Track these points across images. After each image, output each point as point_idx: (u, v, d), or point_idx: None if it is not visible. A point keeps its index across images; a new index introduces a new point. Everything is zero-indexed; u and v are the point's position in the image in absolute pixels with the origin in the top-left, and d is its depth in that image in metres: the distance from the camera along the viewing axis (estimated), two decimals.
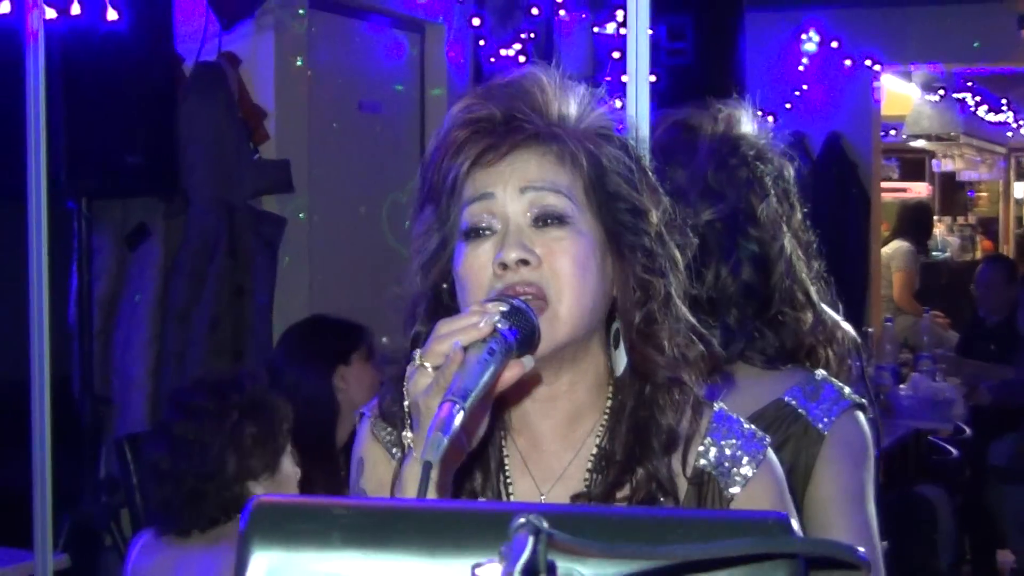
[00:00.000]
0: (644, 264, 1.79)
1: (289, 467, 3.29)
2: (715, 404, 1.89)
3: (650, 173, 1.87)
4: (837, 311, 2.56)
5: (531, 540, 0.73)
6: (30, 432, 3.73)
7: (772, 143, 2.52)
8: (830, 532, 2.26)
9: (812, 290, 2.44)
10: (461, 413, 1.47)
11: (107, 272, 5.56)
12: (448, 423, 1.45)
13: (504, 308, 1.62)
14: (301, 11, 6.26)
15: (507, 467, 1.85)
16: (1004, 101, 13.55)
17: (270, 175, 6.03)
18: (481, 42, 7.52)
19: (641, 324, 1.79)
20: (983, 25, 10.70)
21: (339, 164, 6.63)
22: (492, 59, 7.45)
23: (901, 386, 7.53)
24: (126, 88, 4.90)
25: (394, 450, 1.84)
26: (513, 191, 1.75)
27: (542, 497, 1.83)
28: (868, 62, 10.58)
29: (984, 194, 17.91)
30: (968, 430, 7.17)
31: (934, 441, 7.11)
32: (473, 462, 1.81)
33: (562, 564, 0.78)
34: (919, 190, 14.76)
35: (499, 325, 1.59)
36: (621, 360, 1.82)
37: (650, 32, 8.21)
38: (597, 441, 1.83)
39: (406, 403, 1.66)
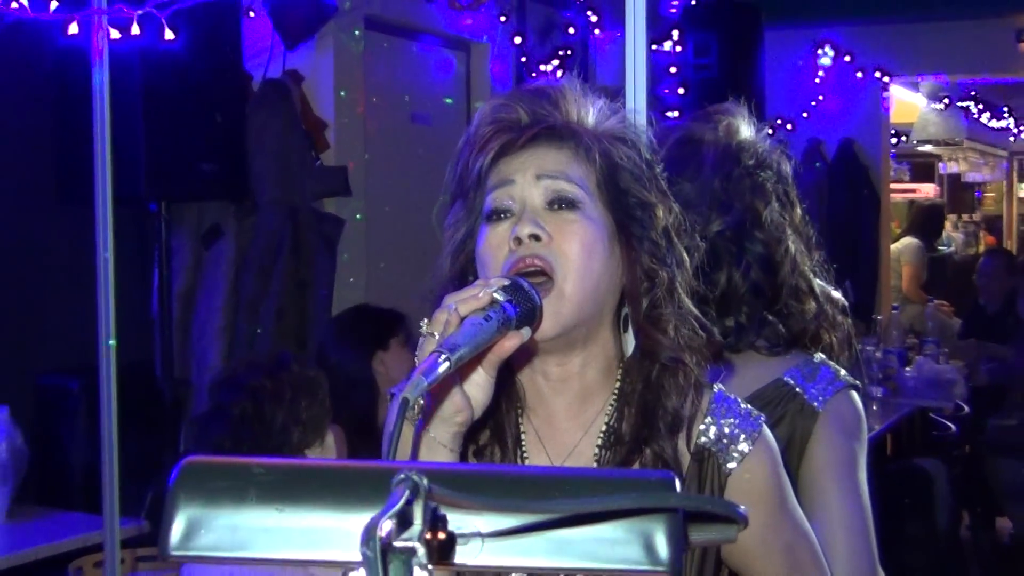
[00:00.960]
0: (651, 254, 1.78)
1: (330, 437, 3.28)
2: (715, 386, 1.87)
3: (660, 177, 1.84)
4: (846, 296, 2.55)
5: (406, 493, 0.73)
6: (99, 411, 3.74)
7: (769, 145, 2.49)
8: (823, 498, 2.24)
9: (814, 281, 2.43)
10: (446, 363, 1.45)
11: (185, 268, 5.61)
12: (431, 369, 1.44)
13: (506, 283, 1.61)
14: (358, 32, 6.29)
15: (524, 443, 1.84)
16: (1005, 109, 13.40)
17: (330, 180, 6.07)
18: (523, 59, 7.50)
19: (648, 309, 1.78)
20: (984, 39, 10.62)
21: (393, 170, 6.66)
22: (533, 74, 7.43)
23: (907, 368, 7.50)
24: (201, 103, 4.93)
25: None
26: (531, 178, 1.74)
27: None
28: (878, 74, 10.53)
29: (991, 194, 17.74)
30: (967, 408, 7.12)
31: (935, 418, 7.07)
32: (492, 438, 1.81)
33: (455, 517, 0.78)
34: (927, 191, 14.62)
35: (497, 296, 1.58)
36: (630, 343, 1.81)
37: (679, 49, 8.24)
38: (606, 420, 1.82)
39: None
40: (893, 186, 12.54)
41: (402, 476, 0.72)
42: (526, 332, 1.62)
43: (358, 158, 6.31)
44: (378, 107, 6.58)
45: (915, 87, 12.27)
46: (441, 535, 0.73)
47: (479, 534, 0.76)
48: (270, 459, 0.85)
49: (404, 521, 0.73)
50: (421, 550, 0.72)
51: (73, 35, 3.27)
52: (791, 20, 9.75)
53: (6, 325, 5.09)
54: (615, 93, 1.99)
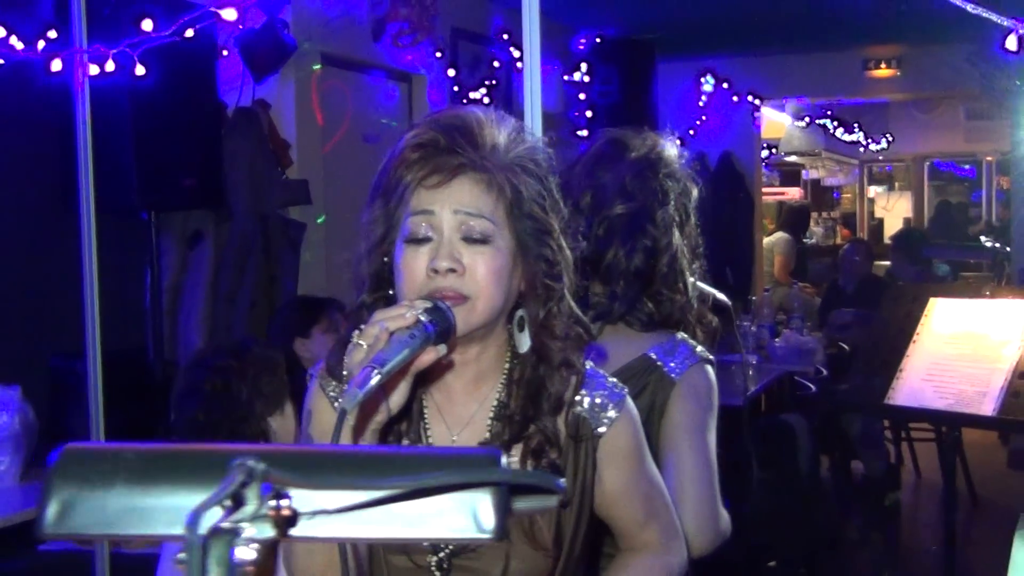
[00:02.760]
0: (546, 271, 1.74)
1: (289, 406, 3.21)
2: (587, 363, 1.84)
3: (556, 194, 1.78)
4: (726, 281, 2.52)
5: (240, 475, 0.68)
6: (86, 387, 3.67)
7: (684, 167, 2.45)
8: (677, 455, 2.23)
9: (689, 280, 2.39)
10: (377, 376, 1.42)
11: (172, 267, 5.52)
12: (364, 382, 1.41)
13: (428, 306, 1.58)
14: (316, 67, 6.21)
15: (426, 416, 1.80)
16: (856, 125, 13.54)
17: (294, 191, 6.00)
18: (455, 88, 7.44)
19: (543, 318, 1.75)
20: (838, 68, 10.75)
21: (347, 182, 6.58)
22: (464, 100, 7.37)
23: (776, 339, 7.52)
24: (183, 128, 4.85)
25: (336, 404, 1.76)
26: (448, 211, 1.67)
27: (454, 439, 1.79)
28: (751, 97, 10.61)
29: (847, 195, 17.95)
30: (825, 372, 7.16)
31: (799, 380, 7.10)
32: (399, 412, 1.74)
33: (302, 496, 0.73)
34: (794, 193, 14.71)
35: (421, 318, 1.54)
36: (525, 341, 1.77)
37: (587, 79, 8.19)
38: (497, 396, 1.80)
39: (345, 373, 1.59)
40: (765, 190, 12.64)
41: (238, 462, 0.67)
42: (442, 348, 1.58)
43: (317, 172, 6.24)
44: (333, 129, 6.52)
45: (782, 108, 12.36)
46: (284, 512, 0.68)
47: (324, 511, 0.71)
48: (145, 445, 0.79)
49: (239, 502, 0.68)
50: (249, 530, 0.67)
51: (57, 71, 3.17)
52: (679, 54, 9.79)
53: (22, 315, 4.99)
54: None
